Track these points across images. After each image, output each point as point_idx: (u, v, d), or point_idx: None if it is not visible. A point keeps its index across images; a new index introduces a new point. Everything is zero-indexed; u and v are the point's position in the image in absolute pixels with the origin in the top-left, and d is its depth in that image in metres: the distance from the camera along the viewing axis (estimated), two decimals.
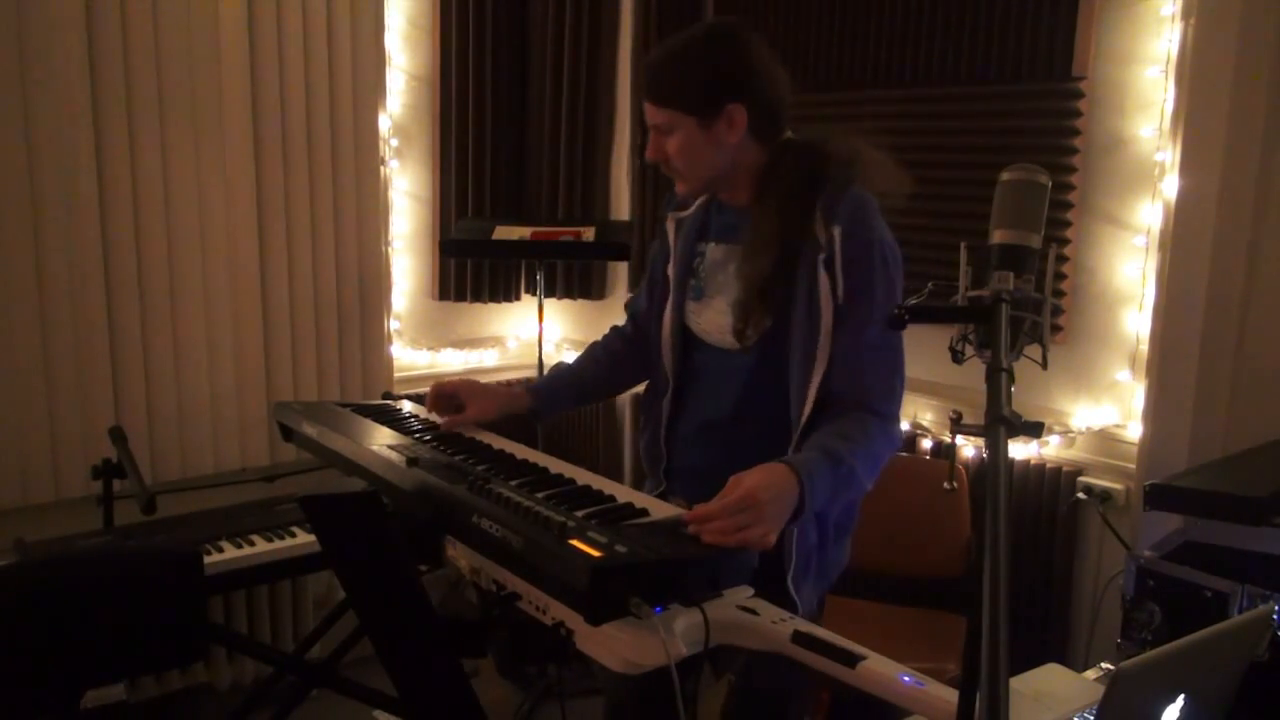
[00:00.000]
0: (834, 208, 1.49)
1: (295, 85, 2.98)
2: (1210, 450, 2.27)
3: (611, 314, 3.60)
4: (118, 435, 2.23)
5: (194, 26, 2.78)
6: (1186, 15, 2.23)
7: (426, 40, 3.40)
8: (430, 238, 3.52)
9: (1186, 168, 2.25)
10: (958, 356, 1.08)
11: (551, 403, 1.84)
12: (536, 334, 3.26)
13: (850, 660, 1.09)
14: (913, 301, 1.14)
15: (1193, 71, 2.22)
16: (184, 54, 2.78)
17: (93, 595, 1.47)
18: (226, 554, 2.14)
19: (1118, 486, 2.44)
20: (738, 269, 1.59)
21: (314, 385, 3.14)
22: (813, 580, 1.58)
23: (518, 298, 3.74)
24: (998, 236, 1.05)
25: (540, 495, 1.35)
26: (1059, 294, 2.48)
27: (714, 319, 1.63)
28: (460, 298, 3.57)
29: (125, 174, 2.72)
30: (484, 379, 3.59)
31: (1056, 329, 2.50)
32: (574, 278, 3.72)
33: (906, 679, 1.06)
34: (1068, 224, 2.47)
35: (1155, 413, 2.35)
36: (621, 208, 3.66)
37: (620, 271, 3.71)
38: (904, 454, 2.80)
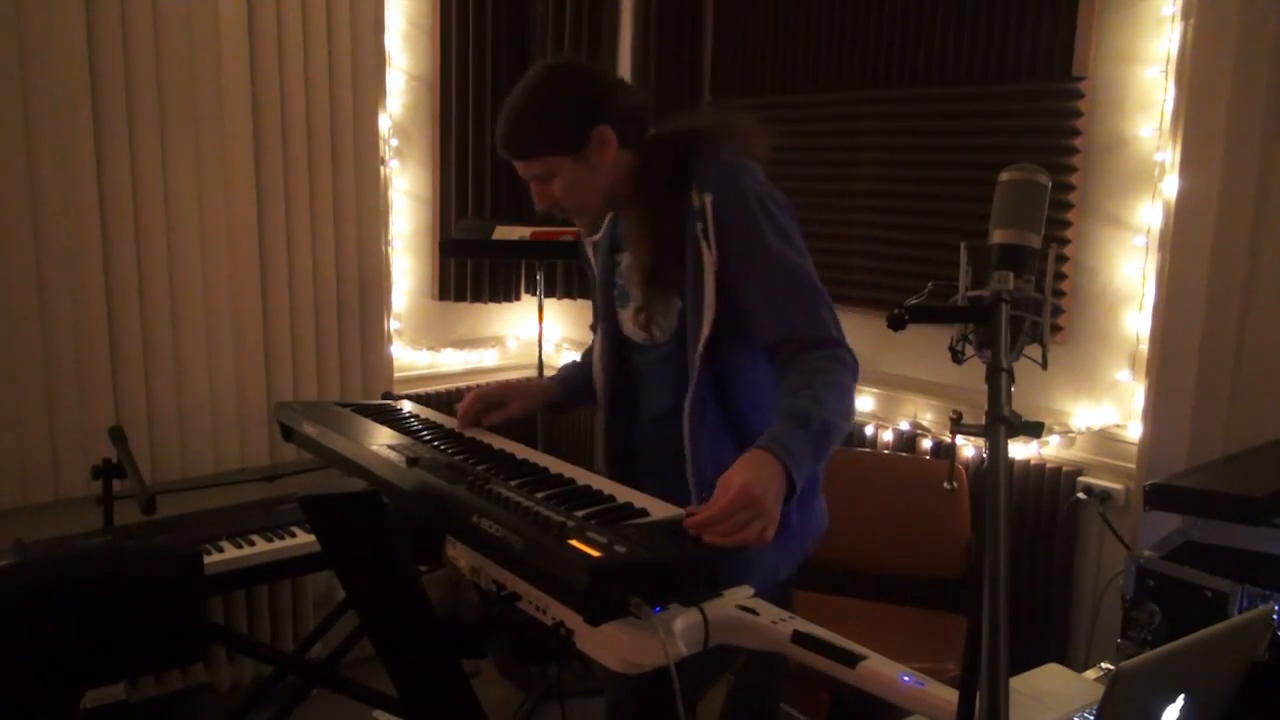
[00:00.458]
0: (704, 177, 1.55)
1: (295, 85, 2.98)
2: (1210, 450, 2.26)
3: None
4: (118, 435, 2.24)
5: (194, 26, 2.78)
6: (1186, 15, 2.23)
7: (426, 40, 3.40)
8: (430, 238, 3.52)
9: (1186, 168, 2.25)
10: (958, 356, 1.08)
11: (575, 395, 1.92)
12: (536, 334, 3.26)
13: (850, 660, 1.09)
14: (913, 301, 1.14)
15: (1193, 71, 2.22)
16: (184, 54, 2.78)
17: (93, 595, 1.46)
18: (226, 554, 2.13)
19: (1118, 486, 2.44)
20: (629, 268, 1.66)
21: (314, 385, 3.14)
22: (780, 550, 1.54)
23: (518, 298, 3.74)
24: (998, 236, 1.05)
25: (540, 495, 1.35)
26: (1059, 294, 2.48)
27: (631, 320, 1.70)
28: (460, 298, 3.57)
29: (125, 174, 2.72)
30: (484, 379, 3.60)
31: (1056, 329, 2.50)
32: (574, 278, 3.72)
33: (906, 679, 1.06)
34: (1068, 224, 2.47)
35: (1155, 413, 2.35)
36: None
37: None
38: (904, 454, 2.80)
